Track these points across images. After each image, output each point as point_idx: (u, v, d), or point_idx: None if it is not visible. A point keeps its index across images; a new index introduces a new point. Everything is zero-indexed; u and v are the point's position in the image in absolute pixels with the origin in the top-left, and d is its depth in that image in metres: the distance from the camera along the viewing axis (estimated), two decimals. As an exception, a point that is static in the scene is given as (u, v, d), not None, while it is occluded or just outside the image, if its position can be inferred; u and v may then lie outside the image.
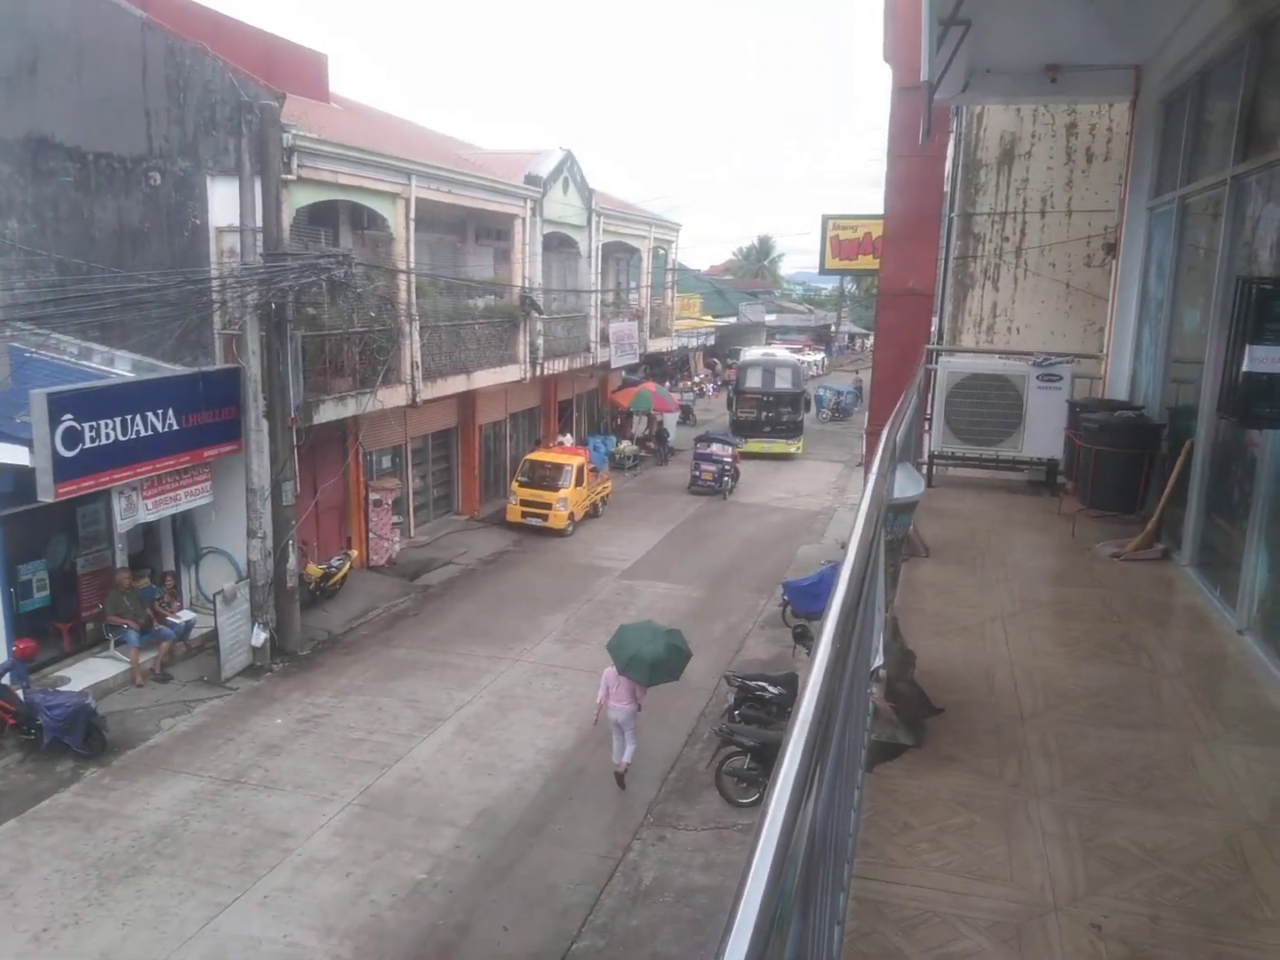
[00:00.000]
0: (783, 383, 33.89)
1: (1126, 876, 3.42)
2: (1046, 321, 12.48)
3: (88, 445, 12.41)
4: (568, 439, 28.26)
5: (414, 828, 10.67)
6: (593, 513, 24.38)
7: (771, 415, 33.63)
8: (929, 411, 10.09)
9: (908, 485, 4.64)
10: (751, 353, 38.68)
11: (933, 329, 13.05)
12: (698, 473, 27.62)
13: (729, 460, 27.72)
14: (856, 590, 2.56)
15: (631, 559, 21.13)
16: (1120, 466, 8.12)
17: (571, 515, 22.90)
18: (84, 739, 11.79)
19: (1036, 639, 5.80)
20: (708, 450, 27.98)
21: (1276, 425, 4.45)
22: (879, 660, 4.24)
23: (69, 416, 12.13)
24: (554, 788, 11.62)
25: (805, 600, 15.15)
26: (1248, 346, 4.06)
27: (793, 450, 33.66)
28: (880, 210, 12.53)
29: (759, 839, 1.41)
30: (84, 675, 13.56)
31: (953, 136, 12.86)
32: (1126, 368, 9.83)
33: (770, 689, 12.11)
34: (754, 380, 34.20)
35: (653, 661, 11.20)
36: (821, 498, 27.98)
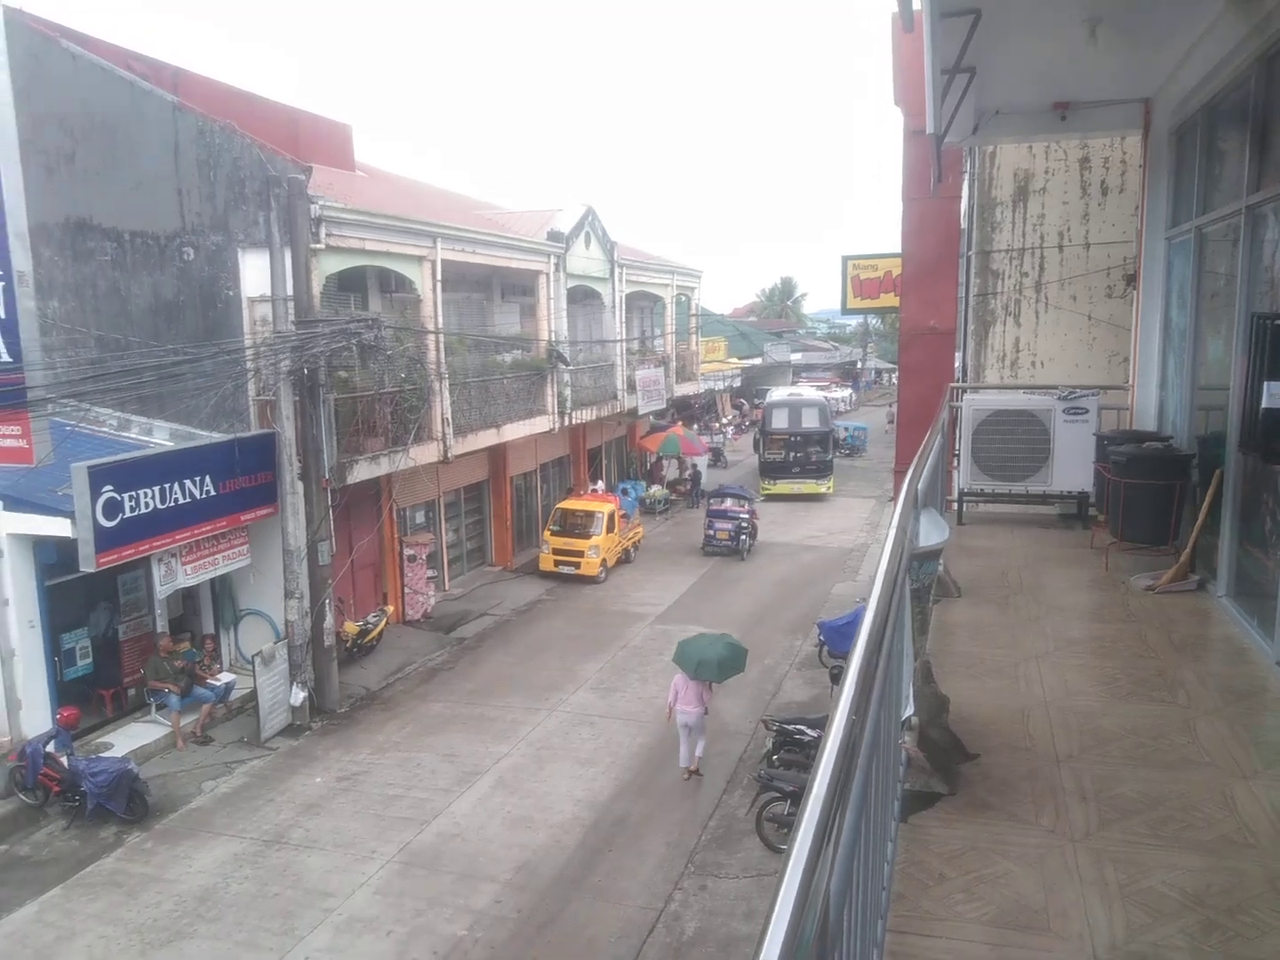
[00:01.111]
0: (810, 422, 33.46)
1: (1167, 922, 3.38)
2: (1070, 354, 12.46)
3: (128, 515, 12.68)
4: (600, 485, 28.43)
5: (454, 884, 10.65)
6: (625, 559, 24.42)
7: (800, 455, 33.17)
8: (956, 449, 10.08)
9: (932, 532, 4.66)
10: (777, 393, 38.32)
11: (956, 366, 13.07)
12: (711, 532, 25.33)
13: (745, 516, 25.47)
14: (876, 647, 2.59)
15: (665, 604, 21.09)
16: (1151, 498, 8.06)
17: (604, 562, 22.95)
18: (127, 804, 11.91)
19: (1071, 678, 5.75)
20: (721, 506, 25.81)
21: (1297, 459, 4.44)
22: (910, 709, 4.26)
23: (109, 487, 12.41)
24: (593, 839, 11.55)
25: (841, 640, 15.05)
26: (1265, 383, 4.07)
27: (823, 490, 33.19)
28: (899, 248, 12.64)
29: (779, 887, 1.47)
30: (126, 740, 13.74)
31: (967, 176, 12.97)
32: (1153, 398, 9.79)
33: (809, 732, 12.00)
34: (780, 421, 33.65)
35: (719, 661, 12.72)
36: (854, 535, 27.83)
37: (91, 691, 14.28)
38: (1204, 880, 3.60)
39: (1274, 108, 6.59)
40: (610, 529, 23.25)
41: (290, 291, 14.41)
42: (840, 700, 2.20)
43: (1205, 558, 7.69)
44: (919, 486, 4.76)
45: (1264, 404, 4.08)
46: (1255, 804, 4.17)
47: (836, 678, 14.49)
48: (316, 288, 14.87)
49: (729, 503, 25.85)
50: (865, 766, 2.31)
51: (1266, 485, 6.53)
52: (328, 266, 15.44)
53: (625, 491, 29.08)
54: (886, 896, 3.24)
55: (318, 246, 14.83)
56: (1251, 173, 6.86)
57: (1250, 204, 6.83)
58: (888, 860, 3.36)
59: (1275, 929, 3.33)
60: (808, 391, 40.49)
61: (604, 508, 23.48)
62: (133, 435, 14.94)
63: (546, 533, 23.48)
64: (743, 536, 25.12)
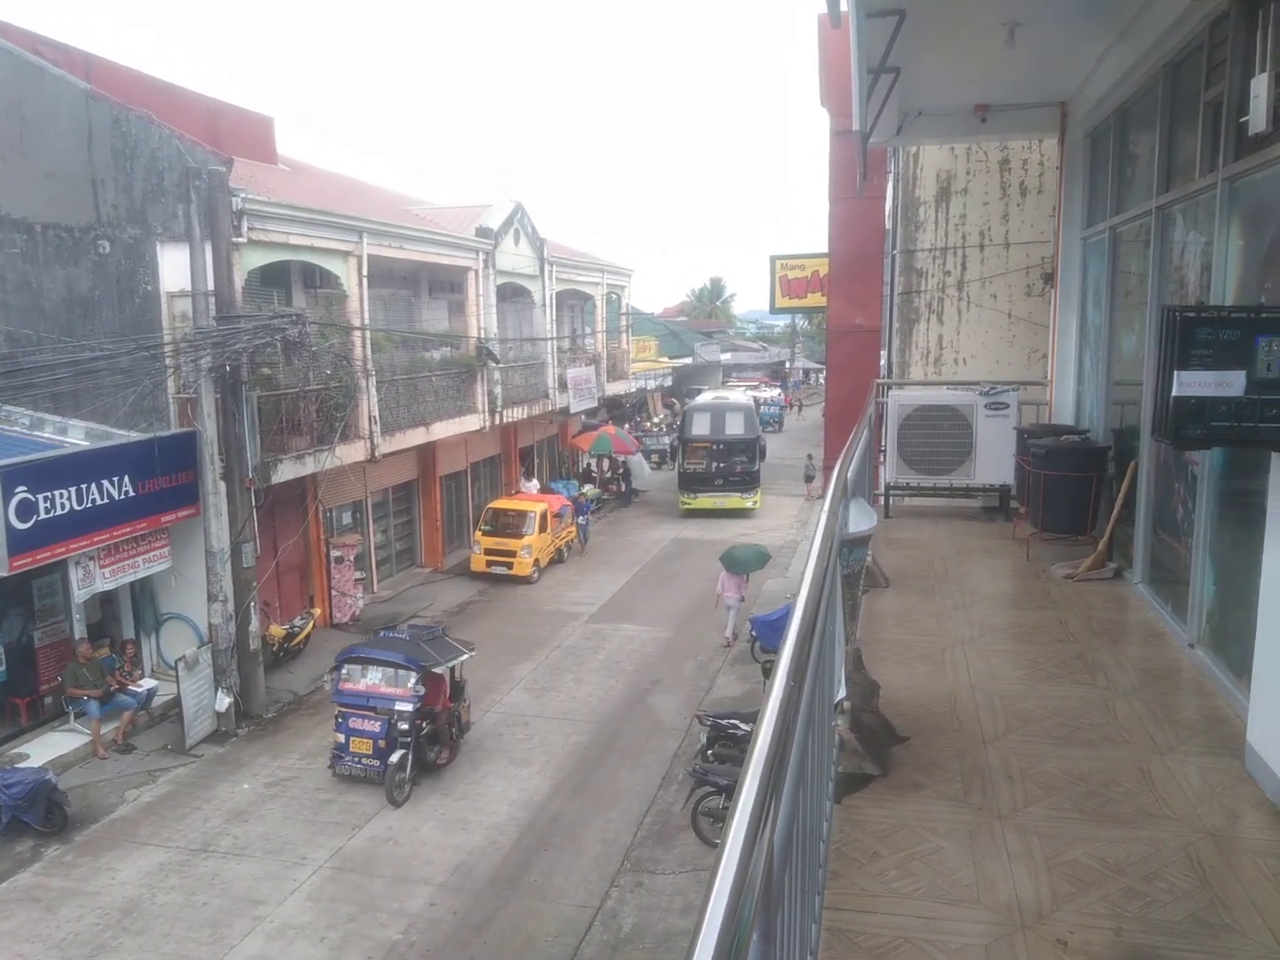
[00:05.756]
0: (735, 429, 30.21)
1: (1089, 891, 3.51)
2: (991, 351, 12.81)
3: (43, 516, 12.24)
4: (534, 484, 28.27)
5: (387, 888, 10.50)
6: (558, 558, 24.35)
7: (723, 466, 29.87)
8: (883, 444, 10.29)
9: (861, 519, 4.75)
10: (701, 397, 35.74)
11: (882, 363, 13.34)
12: (343, 738, 12.58)
13: (409, 707, 12.38)
14: (810, 625, 2.64)
15: (598, 603, 21.09)
16: (1069, 489, 8.34)
17: (536, 562, 22.85)
18: (44, 816, 11.47)
19: (996, 663, 5.92)
20: (358, 686, 12.70)
21: (1206, 446, 4.64)
22: (842, 693, 4.34)
23: (22, 488, 11.97)
24: (529, 839, 11.50)
25: (773, 635, 15.20)
26: (1175, 372, 4.24)
27: (749, 505, 30.11)
28: (826, 248, 12.84)
29: (718, 867, 1.48)
30: (43, 750, 13.24)
31: (891, 176, 13.24)
32: (1071, 393, 10.12)
33: (742, 726, 12.10)
34: (701, 427, 30.30)
35: (746, 559, 17.90)
36: (784, 532, 28.13)
37: (5, 700, 13.73)
38: (1124, 851, 3.75)
39: (1180, 112, 6.88)
40: (543, 528, 23.15)
41: (211, 286, 14.03)
42: (774, 684, 2.24)
43: (1121, 546, 7.98)
44: (848, 476, 4.86)
45: (1174, 392, 4.24)
46: (1170, 778, 4.35)
47: (768, 672, 14.59)
48: (238, 283, 14.52)
49: (375, 679, 12.74)
50: (802, 748, 2.35)
51: (1177, 475, 6.80)
52: (250, 261, 15.09)
53: (558, 492, 28.95)
54: (823, 874, 3.30)
55: (239, 240, 14.48)
56: (1160, 174, 7.14)
57: (1160, 204, 7.11)
58: (823, 839, 3.43)
59: (1189, 893, 3.49)
60: (734, 395, 37.87)
61: (536, 507, 23.38)
62: (46, 434, 14.40)
63: (478, 533, 23.28)
64: (400, 751, 12.27)
